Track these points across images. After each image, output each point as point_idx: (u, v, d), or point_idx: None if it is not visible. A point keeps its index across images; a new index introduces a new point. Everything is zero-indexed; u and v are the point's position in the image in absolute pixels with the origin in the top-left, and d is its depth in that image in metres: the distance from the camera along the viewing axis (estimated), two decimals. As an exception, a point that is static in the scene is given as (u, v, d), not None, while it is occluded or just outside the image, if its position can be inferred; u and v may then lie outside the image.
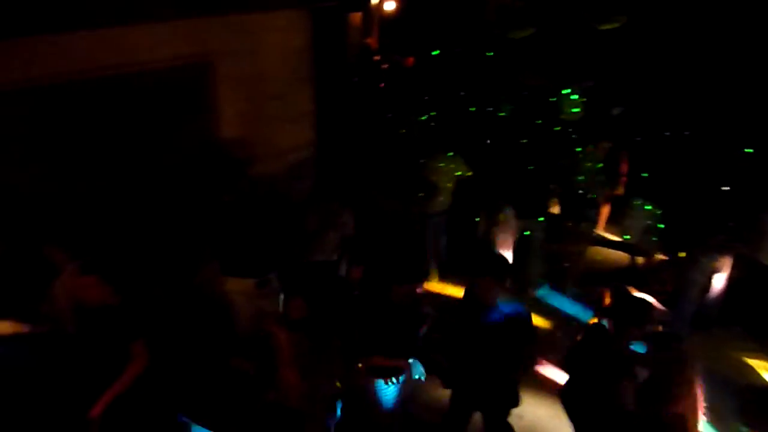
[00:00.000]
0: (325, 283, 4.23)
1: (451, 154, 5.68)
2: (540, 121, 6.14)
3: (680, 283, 5.16)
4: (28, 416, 2.98)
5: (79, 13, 3.98)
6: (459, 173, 5.74)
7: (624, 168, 6.05)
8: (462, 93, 6.45)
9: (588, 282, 5.67)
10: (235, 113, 5.18)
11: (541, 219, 5.58)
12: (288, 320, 3.50)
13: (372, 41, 7.26)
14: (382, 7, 7.39)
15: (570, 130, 6.18)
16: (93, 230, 4.45)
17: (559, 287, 5.88)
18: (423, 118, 6.26)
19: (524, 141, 5.88)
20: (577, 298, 5.71)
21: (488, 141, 6.22)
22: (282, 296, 4.02)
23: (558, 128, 6.11)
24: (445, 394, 3.89)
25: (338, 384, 3.71)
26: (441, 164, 5.69)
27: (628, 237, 6.23)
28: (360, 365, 3.62)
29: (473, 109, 6.43)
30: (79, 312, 3.49)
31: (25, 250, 3.86)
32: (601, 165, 5.81)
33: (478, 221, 5.64)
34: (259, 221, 4.39)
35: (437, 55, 6.88)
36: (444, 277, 5.97)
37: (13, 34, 3.87)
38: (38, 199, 4.38)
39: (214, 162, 4.82)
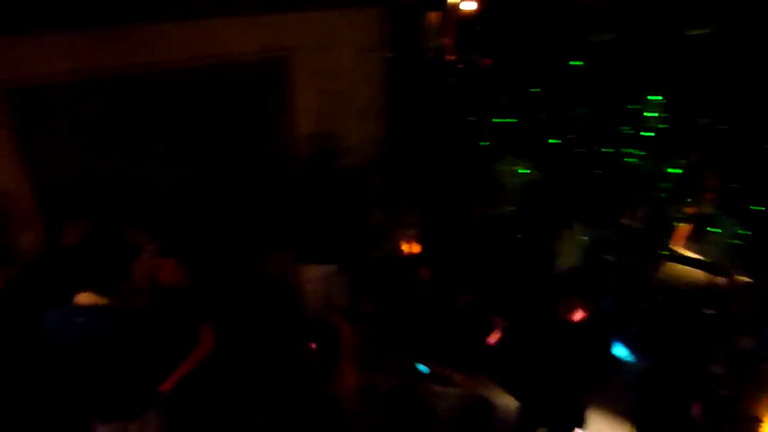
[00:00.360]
0: (393, 280, 4.24)
1: (520, 157, 5.58)
2: (621, 128, 5.89)
3: (764, 306, 4.83)
4: (103, 382, 3.13)
5: (178, 4, 4.21)
6: (529, 177, 5.61)
7: (711, 183, 5.70)
8: (539, 95, 6.30)
9: (660, 300, 5.42)
10: (310, 107, 5.27)
11: (613, 230, 5.37)
12: (355, 313, 3.50)
13: (448, 41, 7.21)
14: (460, 6, 7.34)
15: (652, 139, 5.91)
16: (173, 214, 4.66)
17: (629, 304, 5.63)
18: (496, 119, 6.17)
19: (603, 148, 5.65)
20: (647, 316, 5.46)
21: (563, 145, 6.04)
22: (350, 289, 4.11)
23: (640, 135, 5.85)
24: (513, 405, 3.80)
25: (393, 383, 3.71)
26: (511, 167, 5.61)
27: (707, 255, 5.89)
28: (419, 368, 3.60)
29: (546, 114, 6.28)
30: (153, 291, 3.67)
31: (109, 229, 4.07)
32: (684, 177, 5.51)
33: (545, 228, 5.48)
34: (337, 212, 4.47)
35: (515, 56, 6.75)
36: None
37: (116, 22, 4.12)
38: (124, 181, 4.64)
39: (306, 153, 4.94)
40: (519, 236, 5.19)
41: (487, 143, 6.06)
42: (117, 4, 4.05)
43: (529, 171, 5.62)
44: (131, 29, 4.25)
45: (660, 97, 6.01)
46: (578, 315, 3.26)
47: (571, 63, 6.16)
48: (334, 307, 4.42)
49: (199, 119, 4.93)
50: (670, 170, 5.46)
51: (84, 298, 2.97)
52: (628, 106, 6.12)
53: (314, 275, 4.59)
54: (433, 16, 6.53)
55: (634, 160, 5.74)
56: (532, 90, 6.37)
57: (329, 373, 3.58)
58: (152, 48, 4.41)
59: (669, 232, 5.67)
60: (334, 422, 3.55)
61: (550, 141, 6.05)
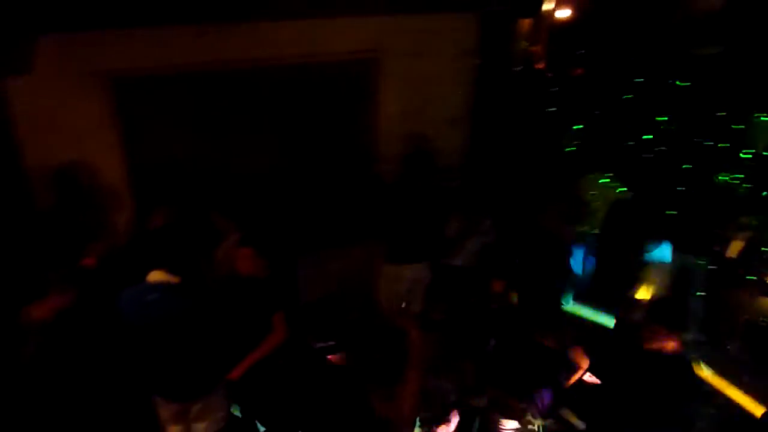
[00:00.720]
0: (467, 290, 4.16)
1: (608, 173, 5.36)
2: (720, 146, 5.49)
3: None
4: (169, 360, 3.24)
5: (278, 3, 4.32)
6: (617, 195, 5.37)
7: None
8: (632, 109, 6.01)
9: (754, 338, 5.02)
10: (395, 110, 5.30)
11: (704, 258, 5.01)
12: (426, 320, 3.44)
13: (538, 49, 7.02)
14: (554, 14, 7.13)
15: (752, 161, 5.47)
16: (258, 206, 4.80)
17: (720, 340, 5.25)
18: (582, 131, 5.95)
19: (698, 169, 5.29)
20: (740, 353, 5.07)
21: (655, 164, 5.73)
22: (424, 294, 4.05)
23: (740, 156, 5.43)
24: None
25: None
26: (598, 182, 5.40)
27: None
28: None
29: (639, 129, 5.97)
30: (231, 278, 3.79)
31: (196, 216, 4.26)
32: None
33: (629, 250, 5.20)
34: (430, 213, 4.48)
35: (610, 67, 6.48)
36: (582, 303, 5.65)
37: (217, 19, 4.32)
38: (215, 171, 4.85)
39: (398, 153, 4.97)
40: (602, 257, 5.01)
41: (574, 156, 5.84)
42: (220, 1, 4.22)
43: (617, 188, 5.37)
44: (232, 27, 4.44)
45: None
46: (667, 345, 3.07)
47: (677, 83, 5.81)
48: (406, 311, 4.41)
49: (289, 116, 5.07)
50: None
51: (155, 276, 3.10)
52: (732, 126, 5.72)
53: (400, 275, 4.58)
54: (524, 23, 6.36)
55: (732, 182, 5.33)
56: (625, 103, 6.09)
57: (390, 379, 3.54)
58: (250, 45, 4.58)
59: (766, 262, 5.22)
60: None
61: (642, 158, 5.75)
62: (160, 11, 4.04)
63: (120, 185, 4.70)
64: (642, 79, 6.08)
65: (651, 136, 5.97)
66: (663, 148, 5.89)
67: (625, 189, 5.38)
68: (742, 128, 5.62)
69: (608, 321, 5.21)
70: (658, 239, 4.90)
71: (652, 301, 3.85)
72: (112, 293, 3.19)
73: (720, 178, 5.27)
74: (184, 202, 4.35)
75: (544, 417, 3.37)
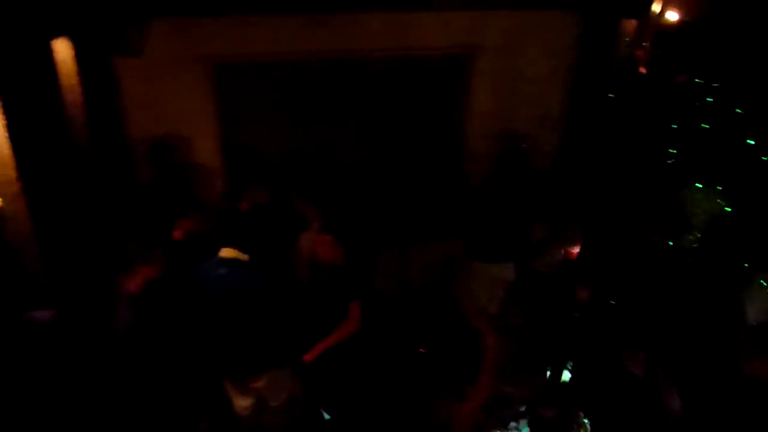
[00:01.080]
0: (548, 297, 4.02)
1: (712, 186, 5.01)
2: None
3: None
4: (234, 335, 3.33)
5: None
6: (720, 209, 5.01)
7: None
8: (740, 120, 5.56)
9: None
10: (487, 108, 5.21)
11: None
12: (503, 323, 3.39)
13: (641, 53, 6.65)
14: (663, 16, 6.73)
15: None
16: (345, 195, 4.93)
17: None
18: (683, 140, 5.58)
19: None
20: None
21: (764, 178, 5.28)
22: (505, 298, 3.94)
23: None
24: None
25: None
26: (697, 195, 5.06)
27: None
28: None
29: (749, 142, 5.51)
30: (311, 264, 3.88)
31: (284, 200, 4.39)
32: None
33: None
34: (516, 214, 4.42)
35: (719, 75, 6.03)
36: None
37: (320, 9, 4.43)
38: (305, 158, 4.99)
39: (492, 150, 4.93)
40: (700, 275, 4.64)
41: (675, 166, 5.49)
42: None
43: (721, 202, 4.99)
44: (334, 17, 4.52)
45: None
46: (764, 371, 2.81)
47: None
48: (484, 312, 4.32)
49: (380, 109, 5.10)
50: None
51: (226, 252, 3.22)
52: None
53: (483, 273, 4.51)
54: (629, 24, 6.04)
55: None
56: (735, 113, 5.63)
57: (461, 380, 3.46)
58: (351, 36, 4.66)
59: None
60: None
61: (750, 171, 5.31)
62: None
63: (213, 164, 4.89)
64: (753, 90, 5.61)
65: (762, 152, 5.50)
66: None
67: (729, 203, 4.99)
68: None
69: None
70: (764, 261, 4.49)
71: (756, 326, 3.51)
72: (192, 265, 3.35)
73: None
74: (273, 186, 4.47)
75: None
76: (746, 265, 4.64)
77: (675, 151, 5.67)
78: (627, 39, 5.82)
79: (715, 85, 5.95)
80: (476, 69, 5.09)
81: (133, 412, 3.27)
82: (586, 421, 3.25)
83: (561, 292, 3.97)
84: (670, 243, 4.66)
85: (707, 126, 5.56)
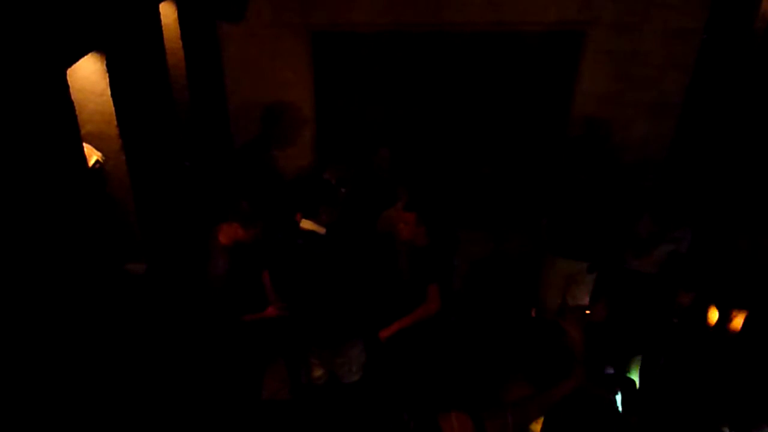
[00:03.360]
0: (641, 297, 3.76)
1: None
2: None
3: None
4: (312, 306, 3.37)
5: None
6: None
7: None
8: None
9: None
10: (595, 90, 4.85)
11: None
12: (588, 320, 3.25)
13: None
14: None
15: None
16: (432, 174, 4.87)
17: None
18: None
19: None
20: None
21: None
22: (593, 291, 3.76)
23: None
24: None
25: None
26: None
27: None
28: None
29: None
30: (391, 242, 3.86)
31: (370, 176, 4.41)
32: None
33: None
34: (602, 207, 4.12)
35: None
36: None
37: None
38: (393, 131, 4.98)
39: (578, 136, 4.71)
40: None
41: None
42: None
43: None
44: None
45: None
46: None
47: None
48: (567, 307, 4.11)
49: (480, 86, 4.94)
50: None
51: (305, 224, 3.28)
52: None
53: (561, 269, 4.27)
54: (769, 2, 5.35)
55: None
56: None
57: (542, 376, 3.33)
58: (452, 9, 4.53)
59: None
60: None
61: None
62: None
63: (306, 134, 4.95)
64: None
65: None
66: None
67: None
68: None
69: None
70: None
71: None
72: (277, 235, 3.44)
73: None
74: (360, 159, 4.47)
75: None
76: None
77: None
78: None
79: None
80: (587, 47, 4.73)
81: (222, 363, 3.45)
82: None
83: (661, 295, 3.64)
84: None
85: None
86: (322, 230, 3.27)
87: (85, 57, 2.67)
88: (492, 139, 5.13)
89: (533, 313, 4.45)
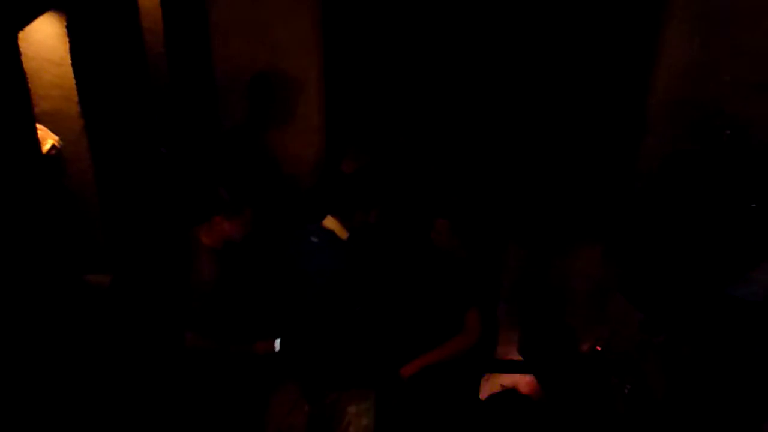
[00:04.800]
0: (743, 328, 3.80)
1: None
2: None
3: None
4: (314, 319, 3.44)
5: None
6: None
7: None
8: None
9: None
10: (684, 64, 4.77)
11: None
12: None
13: None
14: None
15: None
16: (463, 171, 4.88)
17: None
18: None
19: None
20: None
21: None
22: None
23: None
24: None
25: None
26: None
27: None
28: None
29: None
30: (422, 250, 3.86)
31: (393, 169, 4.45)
32: None
33: None
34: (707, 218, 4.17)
35: None
36: None
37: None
38: (418, 116, 5.02)
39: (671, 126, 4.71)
40: None
41: None
42: None
43: None
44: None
45: None
46: None
47: None
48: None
49: (527, 56, 4.93)
50: None
51: (328, 222, 3.40)
52: None
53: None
54: None
55: None
56: None
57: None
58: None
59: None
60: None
61: None
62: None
63: (311, 113, 4.99)
64: None
65: None
66: None
67: None
68: None
69: None
70: None
71: None
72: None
73: None
74: (381, 146, 4.52)
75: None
76: None
77: None
78: None
79: None
80: (673, 8, 4.67)
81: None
82: None
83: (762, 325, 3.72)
84: None
85: None
86: (344, 234, 3.35)
87: (41, 17, 2.71)
88: (545, 122, 5.13)
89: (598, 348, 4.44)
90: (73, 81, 2.98)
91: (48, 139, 2.93)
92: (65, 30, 2.82)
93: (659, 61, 4.84)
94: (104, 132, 3.29)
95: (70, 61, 2.92)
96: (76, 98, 3.03)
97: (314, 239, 3.38)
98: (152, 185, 3.80)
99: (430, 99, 5.05)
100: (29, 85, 2.51)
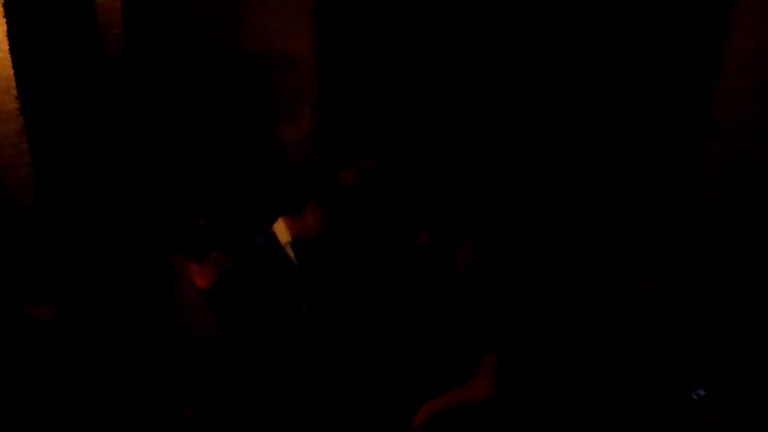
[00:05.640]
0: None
1: None
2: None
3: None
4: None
5: None
6: None
7: None
8: None
9: None
10: (752, 54, 4.68)
11: None
12: None
13: None
14: None
15: None
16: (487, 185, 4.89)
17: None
18: None
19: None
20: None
21: None
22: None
23: None
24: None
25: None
26: None
27: None
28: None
29: None
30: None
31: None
32: None
33: None
34: None
35: None
36: None
37: None
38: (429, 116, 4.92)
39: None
40: None
41: None
42: None
43: None
44: None
45: None
46: None
47: None
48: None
49: (565, 48, 4.98)
50: None
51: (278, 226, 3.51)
52: None
53: None
54: None
55: None
56: None
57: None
58: None
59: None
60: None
61: None
62: None
63: (304, 107, 4.94)
64: None
65: None
66: None
67: None
68: None
69: None
70: None
71: None
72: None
73: None
74: (386, 152, 4.45)
75: None
76: None
77: None
78: None
79: None
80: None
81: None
82: None
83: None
84: None
85: None
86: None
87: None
88: (588, 128, 5.13)
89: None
90: (11, 70, 2.92)
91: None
92: (0, 9, 2.74)
93: (730, 46, 4.73)
94: (49, 132, 3.23)
95: (7, 47, 2.86)
96: (14, 92, 2.96)
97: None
98: (109, 199, 3.74)
99: (443, 93, 5.08)
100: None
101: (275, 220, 3.60)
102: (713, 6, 4.74)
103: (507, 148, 5.14)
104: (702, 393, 3.60)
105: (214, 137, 4.66)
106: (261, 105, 4.83)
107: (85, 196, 3.50)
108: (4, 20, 2.78)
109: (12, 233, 3.19)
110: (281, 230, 3.51)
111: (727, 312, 4.14)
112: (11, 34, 2.83)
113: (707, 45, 4.82)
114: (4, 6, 2.76)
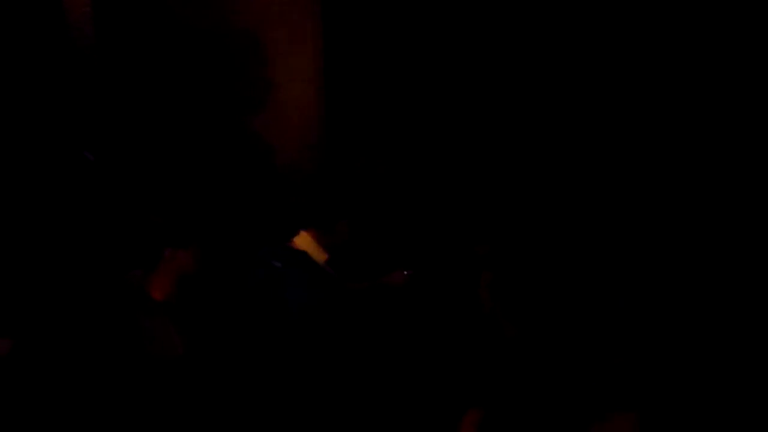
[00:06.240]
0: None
1: None
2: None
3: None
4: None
5: None
6: None
7: None
8: None
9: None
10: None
11: None
12: None
13: None
14: None
15: None
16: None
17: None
18: None
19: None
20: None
21: None
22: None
23: None
24: None
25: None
26: None
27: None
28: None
29: None
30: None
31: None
32: None
33: None
34: None
35: None
36: None
37: None
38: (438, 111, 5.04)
39: None
40: None
41: None
42: None
43: None
44: None
45: None
46: None
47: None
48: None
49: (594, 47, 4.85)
50: None
51: (301, 240, 3.51)
52: None
53: None
54: None
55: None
56: None
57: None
58: None
59: None
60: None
61: None
62: None
63: (305, 100, 4.92)
64: None
65: None
66: None
67: None
68: None
69: None
70: None
71: None
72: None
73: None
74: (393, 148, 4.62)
75: None
76: None
77: None
78: None
79: None
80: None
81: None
82: None
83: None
84: None
85: None
86: (323, 256, 3.48)
87: None
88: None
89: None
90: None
91: None
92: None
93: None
94: (2, 128, 3.19)
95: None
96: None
97: (277, 264, 3.45)
98: (73, 207, 3.65)
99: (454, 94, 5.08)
100: None
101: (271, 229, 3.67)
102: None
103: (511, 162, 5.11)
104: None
105: (200, 135, 4.65)
106: (254, 105, 4.84)
107: (45, 203, 3.47)
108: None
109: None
110: (313, 249, 3.50)
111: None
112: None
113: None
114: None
